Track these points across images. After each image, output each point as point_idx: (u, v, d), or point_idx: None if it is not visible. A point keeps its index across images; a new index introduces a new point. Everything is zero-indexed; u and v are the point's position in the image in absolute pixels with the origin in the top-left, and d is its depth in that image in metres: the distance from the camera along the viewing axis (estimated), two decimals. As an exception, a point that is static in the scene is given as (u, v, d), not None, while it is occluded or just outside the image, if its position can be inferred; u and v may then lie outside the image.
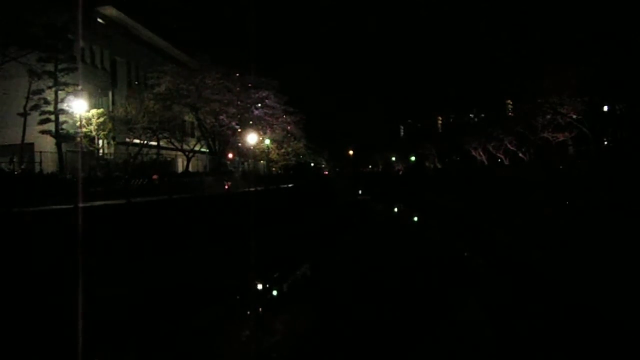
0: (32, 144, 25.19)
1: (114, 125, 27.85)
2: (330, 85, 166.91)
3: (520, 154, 40.46)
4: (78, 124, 24.07)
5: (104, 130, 26.35)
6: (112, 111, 30.55)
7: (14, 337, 10.38)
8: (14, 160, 22.35)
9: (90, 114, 25.69)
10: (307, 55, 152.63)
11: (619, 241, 17.10)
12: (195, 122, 36.70)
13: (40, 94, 23.40)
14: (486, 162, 51.50)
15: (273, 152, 46.56)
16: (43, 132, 24.22)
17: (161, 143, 33.49)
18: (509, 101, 50.19)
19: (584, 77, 27.54)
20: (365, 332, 10.31)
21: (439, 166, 76.42)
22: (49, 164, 24.68)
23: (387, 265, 18.01)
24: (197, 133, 39.21)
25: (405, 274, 16.28)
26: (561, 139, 34.61)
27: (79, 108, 22.80)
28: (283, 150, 48.20)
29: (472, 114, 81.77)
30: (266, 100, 38.09)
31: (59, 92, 23.79)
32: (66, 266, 13.98)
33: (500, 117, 48.26)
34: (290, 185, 44.48)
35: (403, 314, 11.63)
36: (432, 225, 32.59)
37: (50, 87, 23.52)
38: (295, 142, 49.54)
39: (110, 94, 35.19)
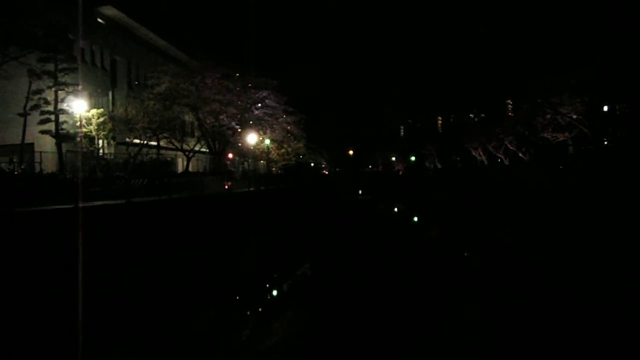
0: (32, 144, 25.16)
1: (114, 125, 27.83)
2: (330, 85, 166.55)
3: (520, 154, 40.37)
4: (78, 124, 24.07)
5: (104, 130, 26.34)
6: (112, 111, 30.55)
7: (16, 334, 10.40)
8: (14, 160, 22.32)
9: (90, 114, 25.69)
10: (307, 55, 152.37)
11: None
12: (195, 122, 36.67)
13: (40, 94, 23.37)
14: (486, 162, 51.39)
15: (273, 152, 46.54)
16: (43, 132, 24.20)
17: (161, 143, 33.48)
18: (509, 101, 50.11)
19: (584, 77, 27.51)
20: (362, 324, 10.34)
21: (439, 166, 76.22)
22: (49, 164, 24.66)
23: (387, 268, 18.03)
24: (197, 133, 39.18)
25: (405, 275, 16.30)
26: (561, 139, 34.54)
27: (79, 108, 22.80)
28: (283, 150, 48.16)
29: (472, 114, 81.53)
30: (266, 100, 38.09)
31: (59, 92, 23.75)
32: (66, 266, 13.98)
33: (500, 117, 48.16)
34: (290, 185, 44.46)
35: (402, 312, 11.68)
36: (431, 226, 32.62)
37: (50, 87, 23.49)
38: (295, 142, 49.48)
39: (110, 94, 35.20)
